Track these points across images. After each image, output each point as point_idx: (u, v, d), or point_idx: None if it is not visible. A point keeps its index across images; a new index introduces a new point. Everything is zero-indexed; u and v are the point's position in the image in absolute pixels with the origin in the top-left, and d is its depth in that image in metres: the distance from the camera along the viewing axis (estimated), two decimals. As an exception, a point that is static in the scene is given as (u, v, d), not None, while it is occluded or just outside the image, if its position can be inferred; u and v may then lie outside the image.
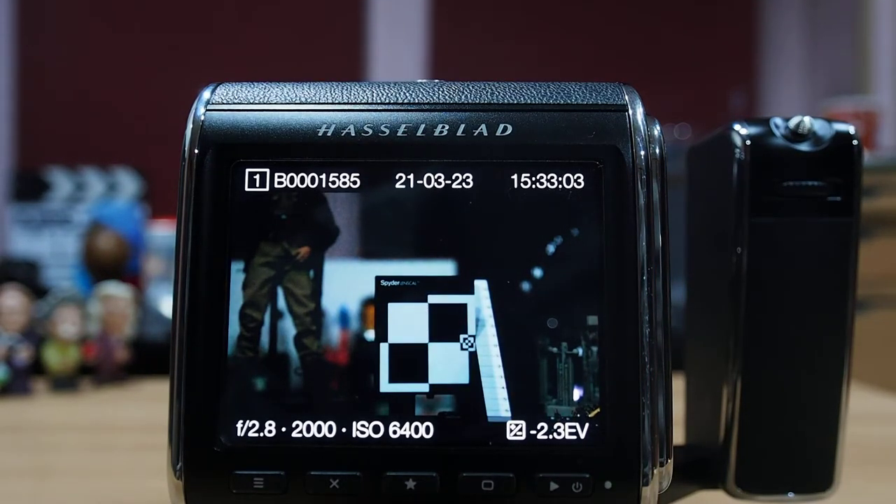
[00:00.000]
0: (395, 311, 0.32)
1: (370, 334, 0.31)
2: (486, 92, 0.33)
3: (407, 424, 0.31)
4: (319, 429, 0.31)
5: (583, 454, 0.30)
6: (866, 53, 2.17)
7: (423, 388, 0.31)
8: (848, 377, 0.37)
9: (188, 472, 0.31)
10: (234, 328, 0.31)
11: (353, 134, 0.32)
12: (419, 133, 0.32)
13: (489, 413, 0.31)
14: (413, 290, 0.32)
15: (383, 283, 0.32)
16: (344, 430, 0.31)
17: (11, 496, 0.47)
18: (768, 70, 2.48)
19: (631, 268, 0.31)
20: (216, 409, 0.31)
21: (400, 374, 0.31)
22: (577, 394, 0.31)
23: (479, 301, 0.31)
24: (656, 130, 0.32)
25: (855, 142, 0.37)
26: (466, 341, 0.31)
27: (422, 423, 0.31)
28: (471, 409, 0.31)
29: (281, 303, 0.32)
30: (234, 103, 0.33)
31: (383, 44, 2.28)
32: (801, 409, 0.37)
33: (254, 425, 0.31)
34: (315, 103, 0.33)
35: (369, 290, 0.32)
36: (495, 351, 0.31)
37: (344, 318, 0.32)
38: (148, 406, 0.75)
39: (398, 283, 0.32)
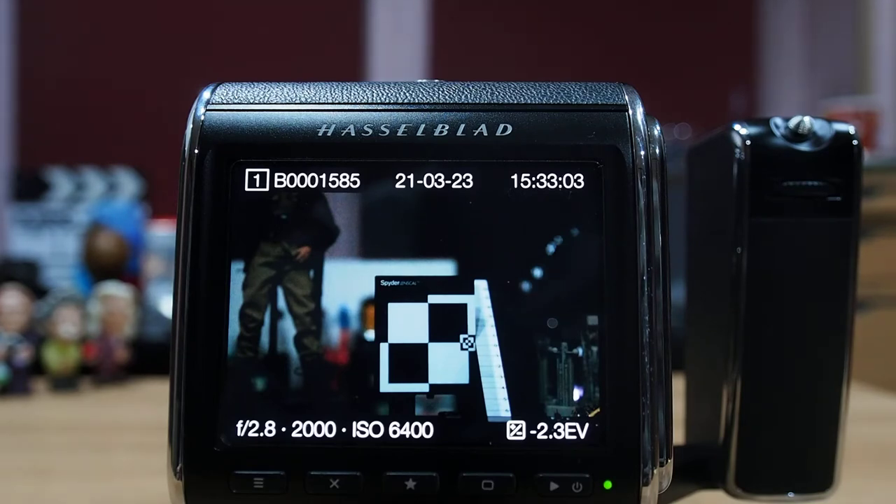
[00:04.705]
0: (395, 311, 0.32)
1: (370, 334, 0.31)
2: (486, 92, 0.33)
3: (407, 424, 0.31)
4: (319, 429, 0.31)
5: (583, 454, 0.30)
6: (866, 53, 2.17)
7: (423, 388, 0.31)
8: (848, 377, 0.37)
9: (188, 472, 0.31)
10: (234, 328, 0.31)
11: (353, 134, 0.32)
12: (419, 133, 0.32)
13: (489, 413, 0.31)
14: (413, 290, 0.32)
15: (383, 283, 0.32)
16: (344, 430, 0.31)
17: (11, 496, 0.47)
18: (768, 69, 2.48)
19: (631, 268, 0.31)
20: (216, 409, 0.31)
21: (400, 374, 0.31)
22: (577, 394, 0.31)
23: (479, 301, 0.31)
24: (656, 130, 0.32)
25: (855, 142, 0.37)
26: (466, 341, 0.31)
27: (422, 423, 0.31)
28: (471, 409, 0.31)
29: (281, 303, 0.32)
30: (234, 103, 0.33)
31: (383, 44, 2.28)
32: (801, 409, 0.37)
33: (254, 425, 0.31)
34: (315, 103, 0.33)
35: (369, 290, 0.32)
36: (495, 351, 0.31)
37: (344, 318, 0.32)
38: (148, 406, 0.75)
39: (398, 283, 0.32)
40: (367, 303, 0.32)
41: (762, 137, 0.37)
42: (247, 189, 0.32)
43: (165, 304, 1.34)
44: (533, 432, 0.31)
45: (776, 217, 0.36)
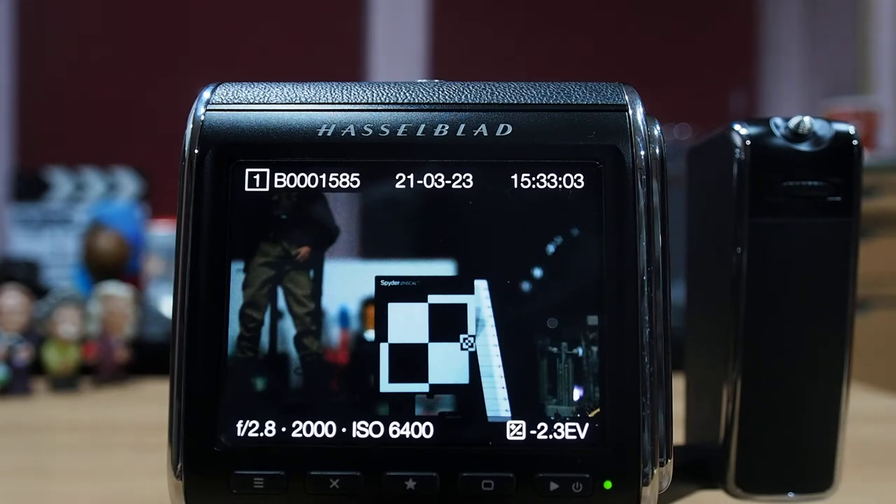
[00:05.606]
0: (395, 311, 0.32)
1: (370, 334, 0.31)
2: (486, 92, 0.33)
3: (407, 424, 0.31)
4: (319, 429, 0.31)
5: (583, 454, 0.30)
6: (866, 53, 2.17)
7: (423, 388, 0.31)
8: (848, 377, 0.37)
9: (188, 472, 0.31)
10: (234, 328, 0.31)
11: (353, 134, 0.32)
12: (419, 133, 0.32)
13: (489, 413, 0.31)
14: (413, 290, 0.32)
15: (383, 283, 0.32)
16: (344, 430, 0.31)
17: (11, 496, 0.47)
18: (768, 70, 2.48)
19: (631, 268, 0.31)
20: (216, 409, 0.31)
21: (400, 374, 0.31)
22: (577, 394, 0.31)
23: (479, 301, 0.31)
24: (656, 130, 0.32)
25: (855, 142, 0.37)
26: (466, 341, 0.31)
27: (422, 423, 0.31)
28: (471, 409, 0.31)
29: (281, 303, 0.32)
30: (234, 103, 0.33)
31: (383, 44, 2.28)
32: (801, 409, 0.37)
33: (254, 425, 0.31)
34: (315, 103, 0.33)
35: (369, 290, 0.32)
36: (495, 351, 0.31)
37: (344, 318, 0.32)
38: (148, 406, 0.75)
39: (398, 283, 0.32)
40: (367, 303, 0.32)
41: (762, 137, 0.37)
42: (247, 189, 0.32)
43: (165, 304, 1.34)
44: (533, 432, 0.31)
45: (776, 217, 0.36)
